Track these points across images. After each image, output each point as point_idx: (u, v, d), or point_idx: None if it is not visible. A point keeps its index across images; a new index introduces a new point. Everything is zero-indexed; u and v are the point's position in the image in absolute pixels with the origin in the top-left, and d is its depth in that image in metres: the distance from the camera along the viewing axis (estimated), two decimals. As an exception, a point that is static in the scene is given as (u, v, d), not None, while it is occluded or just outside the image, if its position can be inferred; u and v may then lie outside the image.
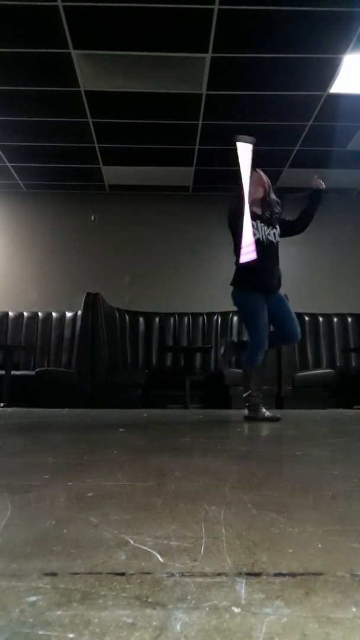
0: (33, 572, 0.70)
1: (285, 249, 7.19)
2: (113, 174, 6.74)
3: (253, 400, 3.50)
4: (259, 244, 3.41)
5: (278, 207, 3.67)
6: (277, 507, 1.08)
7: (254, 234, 3.39)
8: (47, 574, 0.69)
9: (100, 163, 6.41)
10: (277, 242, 3.62)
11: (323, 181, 3.74)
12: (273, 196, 3.66)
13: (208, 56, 4.35)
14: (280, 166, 6.43)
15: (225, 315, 6.65)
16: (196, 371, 6.27)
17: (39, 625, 0.55)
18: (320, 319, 6.61)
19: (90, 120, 5.40)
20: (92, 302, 6.06)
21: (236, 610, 0.58)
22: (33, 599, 0.61)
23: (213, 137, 5.73)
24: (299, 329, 3.68)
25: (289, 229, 3.75)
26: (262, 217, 3.55)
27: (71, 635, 0.53)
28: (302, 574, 0.70)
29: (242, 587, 0.65)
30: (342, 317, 6.63)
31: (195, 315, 6.70)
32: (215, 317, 6.64)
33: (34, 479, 1.41)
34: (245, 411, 3.56)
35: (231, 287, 3.65)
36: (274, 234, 3.60)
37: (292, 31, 4.04)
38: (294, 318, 3.64)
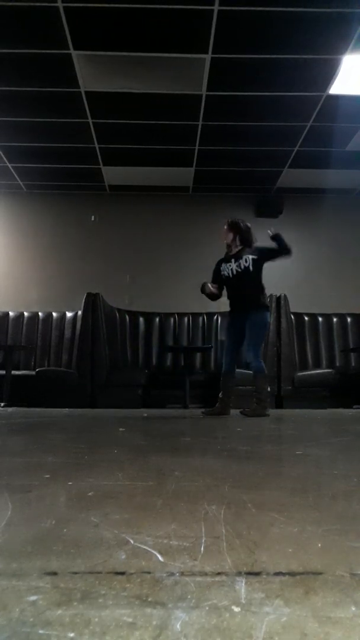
0: (33, 571, 0.70)
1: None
2: (113, 174, 6.74)
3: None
4: (227, 280, 4.38)
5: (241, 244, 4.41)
6: (277, 507, 1.08)
7: (222, 273, 4.40)
8: (47, 574, 0.69)
9: (101, 163, 6.41)
10: (244, 270, 4.30)
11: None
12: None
13: (208, 56, 4.35)
14: (280, 166, 6.43)
15: (225, 315, 6.64)
16: (196, 371, 6.27)
17: (39, 624, 0.55)
18: (320, 319, 6.61)
19: (90, 120, 5.40)
20: (92, 302, 6.07)
21: (236, 609, 0.58)
22: (33, 598, 0.61)
23: (213, 137, 5.73)
24: (249, 357, 4.29)
25: (269, 256, 4.37)
26: (226, 259, 4.45)
27: (71, 635, 0.53)
28: (302, 574, 0.70)
29: (242, 586, 0.65)
30: (341, 317, 6.63)
31: (195, 315, 6.69)
32: (215, 317, 6.64)
33: (34, 479, 1.42)
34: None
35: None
36: (239, 264, 4.32)
37: (292, 32, 4.04)
38: (249, 344, 4.27)
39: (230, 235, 4.40)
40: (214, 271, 4.49)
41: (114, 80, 4.73)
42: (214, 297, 4.41)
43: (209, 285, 4.35)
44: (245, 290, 4.31)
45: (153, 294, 6.95)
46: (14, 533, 0.90)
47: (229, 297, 4.46)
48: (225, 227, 4.45)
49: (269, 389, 4.34)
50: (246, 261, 4.28)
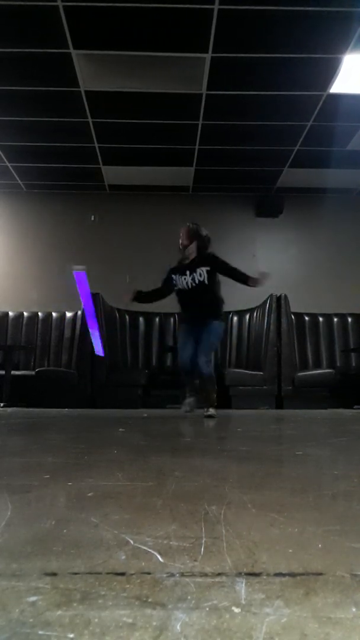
0: (33, 572, 0.70)
1: (285, 249, 7.27)
2: (113, 174, 6.74)
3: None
4: (181, 291, 4.29)
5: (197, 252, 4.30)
6: (277, 507, 1.08)
7: (175, 285, 4.29)
8: (47, 574, 0.69)
9: (100, 163, 6.41)
10: (202, 281, 4.20)
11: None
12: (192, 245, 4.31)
13: (208, 56, 4.35)
14: (280, 166, 6.43)
15: (224, 315, 6.64)
16: (196, 371, 6.25)
17: (39, 625, 0.55)
18: (320, 319, 6.61)
19: (90, 120, 5.40)
20: (92, 302, 6.06)
21: (236, 610, 0.58)
22: (33, 598, 0.61)
23: (213, 137, 5.73)
24: (201, 362, 4.14)
25: (225, 271, 4.29)
26: (180, 270, 4.30)
27: (71, 635, 0.53)
28: (302, 574, 0.70)
29: (242, 587, 0.65)
30: (342, 317, 6.63)
31: (195, 315, 6.68)
32: (215, 317, 6.63)
33: (34, 479, 1.41)
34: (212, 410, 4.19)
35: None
36: (193, 277, 4.22)
37: (292, 31, 4.04)
38: (202, 350, 4.17)
39: (187, 242, 4.31)
40: (165, 280, 4.40)
41: (114, 80, 4.72)
42: (150, 301, 4.56)
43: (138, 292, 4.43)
44: (202, 302, 4.23)
45: (153, 294, 6.93)
46: (13, 533, 0.90)
47: (183, 307, 4.42)
48: (185, 232, 4.36)
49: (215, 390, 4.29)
50: (200, 275, 4.18)
